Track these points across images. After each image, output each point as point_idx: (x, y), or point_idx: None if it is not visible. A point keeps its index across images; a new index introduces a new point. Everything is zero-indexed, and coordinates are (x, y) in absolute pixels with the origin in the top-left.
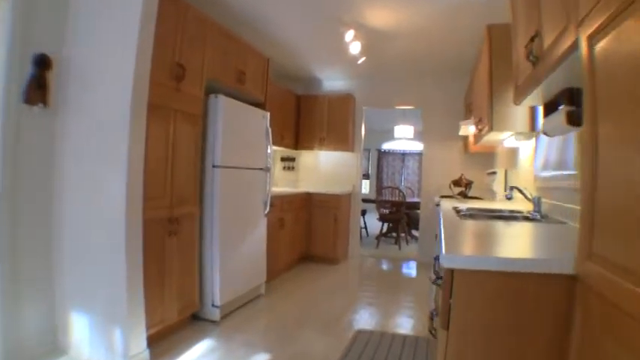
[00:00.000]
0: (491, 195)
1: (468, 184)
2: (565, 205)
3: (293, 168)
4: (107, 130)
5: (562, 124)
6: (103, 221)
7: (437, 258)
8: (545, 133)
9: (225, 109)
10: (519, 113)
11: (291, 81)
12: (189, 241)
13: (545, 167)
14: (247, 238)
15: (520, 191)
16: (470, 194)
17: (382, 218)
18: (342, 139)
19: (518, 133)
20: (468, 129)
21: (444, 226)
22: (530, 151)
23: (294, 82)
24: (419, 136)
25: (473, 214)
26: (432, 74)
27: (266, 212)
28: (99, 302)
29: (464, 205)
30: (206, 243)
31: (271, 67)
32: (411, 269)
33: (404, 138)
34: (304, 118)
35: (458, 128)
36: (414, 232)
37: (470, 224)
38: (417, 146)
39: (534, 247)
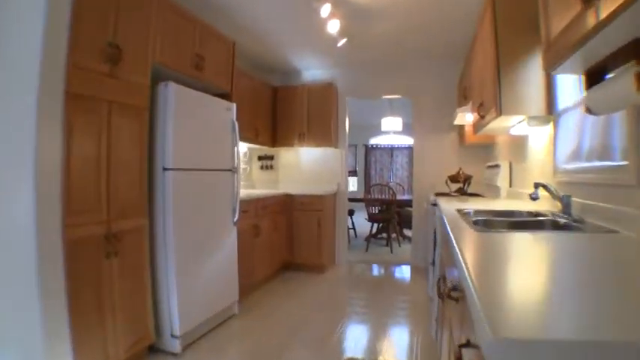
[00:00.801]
0: (494, 191)
1: (467, 180)
2: (606, 205)
3: (272, 167)
4: (9, 125)
5: (626, 92)
6: (7, 243)
7: (433, 263)
8: (588, 111)
9: (177, 99)
10: (533, 93)
11: (266, 72)
12: (136, 262)
13: (573, 158)
14: (213, 252)
15: (547, 189)
16: (469, 190)
17: (371, 219)
18: (324, 133)
19: (532, 118)
20: (465, 117)
21: (458, 249)
22: (545, 139)
23: (270, 74)
24: (408, 129)
25: (486, 221)
26: (422, 60)
27: (235, 220)
28: (10, 347)
29: (468, 206)
30: (159, 262)
31: (244, 58)
32: (404, 275)
33: (392, 132)
34: (282, 112)
35: (452, 118)
36: (407, 232)
37: (492, 241)
38: (406, 140)
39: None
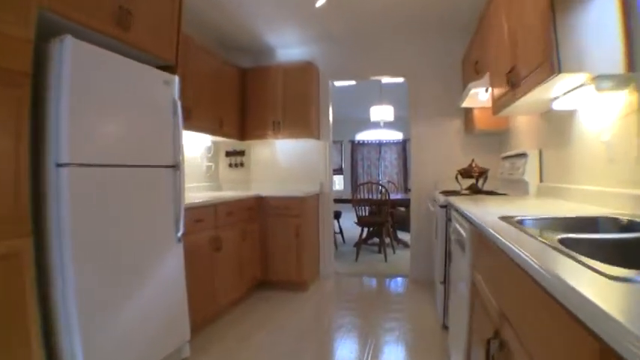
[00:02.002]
0: (517, 188)
1: (483, 174)
2: None
3: (242, 164)
4: None
5: None
6: None
7: (444, 282)
8: None
9: (77, 62)
10: (605, 42)
11: (236, 52)
12: (13, 302)
13: None
14: (145, 280)
15: None
16: (484, 187)
17: (361, 222)
18: (303, 122)
19: (602, 79)
20: (477, 97)
21: None
22: (618, 112)
23: (240, 54)
24: (400, 122)
25: (578, 241)
26: (419, 33)
27: (179, 234)
28: None
29: (511, 211)
30: (55, 299)
31: (208, 35)
32: (403, 291)
33: (382, 122)
34: (253, 97)
35: (457, 101)
36: (401, 235)
37: None
38: (395, 135)
39: None
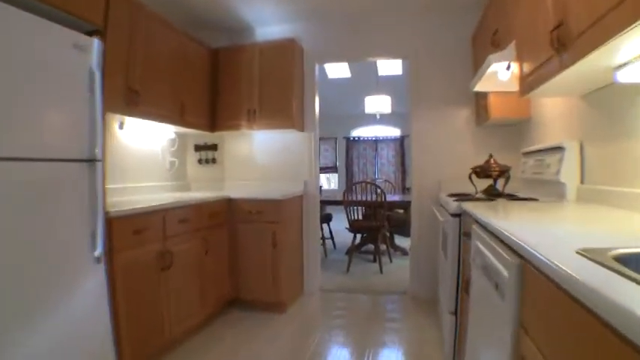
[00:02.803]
0: (547, 190)
1: (503, 173)
2: None
3: (214, 161)
4: None
5: None
6: None
7: (455, 313)
8: None
9: None
10: None
11: (209, 32)
12: None
13: None
14: (50, 313)
15: None
16: (505, 190)
17: (353, 227)
18: (282, 110)
19: None
20: (496, 76)
21: None
22: None
23: (214, 34)
24: (397, 117)
25: None
26: (422, 8)
27: (98, 253)
28: None
29: (598, 237)
30: None
31: (175, 10)
32: (398, 312)
33: (378, 113)
34: (225, 82)
35: (465, 85)
36: (398, 241)
37: None
38: (392, 132)
39: None
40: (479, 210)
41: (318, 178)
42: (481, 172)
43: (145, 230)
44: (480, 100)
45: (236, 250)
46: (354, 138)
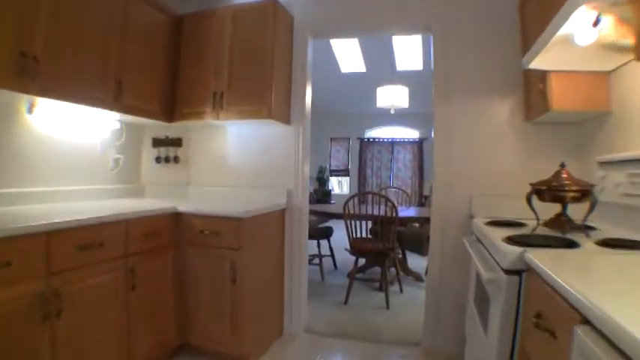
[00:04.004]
0: None
1: (584, 195)
2: None
3: (177, 160)
4: None
5: None
6: None
7: None
8: None
9: None
10: None
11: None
12: None
13: None
14: None
15: None
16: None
17: (355, 250)
18: (257, 93)
19: None
20: (572, 41)
21: None
22: None
23: (182, 1)
24: (415, 119)
25: None
26: None
27: None
28: None
29: None
30: None
31: None
32: None
33: (393, 107)
34: (188, 57)
35: (509, 66)
36: (413, 262)
37: None
38: (411, 133)
39: None
40: (576, 282)
41: (306, 187)
42: (548, 192)
43: (13, 262)
44: (533, 84)
45: (184, 282)
46: (368, 139)
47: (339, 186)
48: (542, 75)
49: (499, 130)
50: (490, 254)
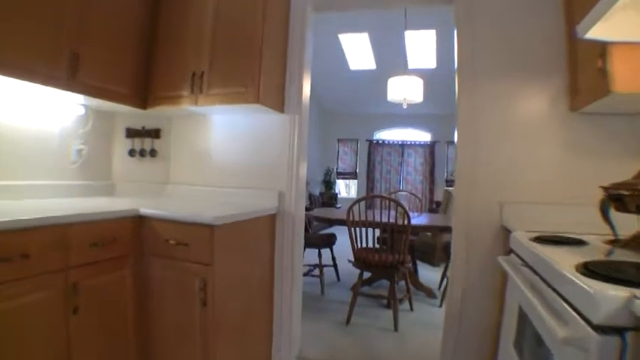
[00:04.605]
0: None
1: None
2: None
3: (154, 154)
4: None
5: None
6: None
7: None
8: None
9: None
10: None
11: None
12: None
13: None
14: None
15: None
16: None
17: (359, 262)
18: (242, 73)
19: None
20: None
21: None
22: None
23: None
24: (426, 121)
25: None
26: None
27: None
28: None
29: None
30: None
31: None
32: None
33: (405, 102)
34: (166, 31)
35: (551, 38)
36: (424, 274)
37: None
38: (422, 136)
39: None
40: None
41: (302, 190)
42: (631, 198)
43: None
44: (584, 63)
45: (147, 303)
46: (377, 141)
47: (347, 189)
48: (602, 49)
49: (537, 122)
50: (556, 291)
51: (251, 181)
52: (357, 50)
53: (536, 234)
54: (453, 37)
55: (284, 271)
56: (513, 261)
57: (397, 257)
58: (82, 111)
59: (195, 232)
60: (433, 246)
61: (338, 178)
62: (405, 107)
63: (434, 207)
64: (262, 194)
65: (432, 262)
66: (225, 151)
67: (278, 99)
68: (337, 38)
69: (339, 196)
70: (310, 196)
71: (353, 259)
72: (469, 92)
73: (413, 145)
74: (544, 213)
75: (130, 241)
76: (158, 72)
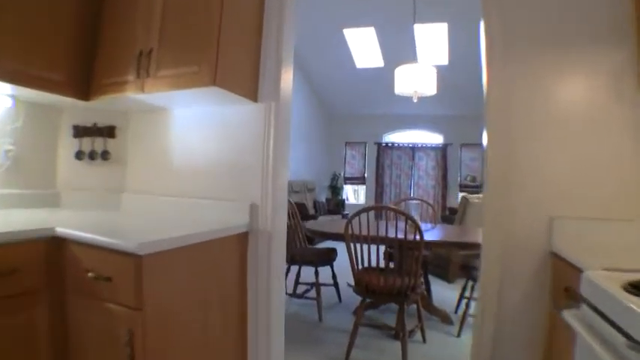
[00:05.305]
0: None
1: None
2: None
3: (106, 156)
4: None
5: None
6: None
7: None
8: None
9: None
10: None
11: None
12: None
13: None
14: None
15: None
16: None
17: (361, 288)
18: (197, 48)
19: None
20: None
21: None
22: None
23: None
24: (438, 122)
25: None
26: None
27: None
28: None
29: None
30: None
31: None
32: None
33: (416, 94)
34: (112, 8)
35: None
36: (438, 294)
37: None
38: (434, 138)
39: None
40: None
41: (282, 201)
42: None
43: None
44: None
45: (66, 354)
46: (387, 144)
47: (355, 195)
48: None
49: (595, 106)
50: None
51: (218, 190)
52: (364, 46)
53: (625, 275)
54: (477, 27)
55: (259, 308)
56: (588, 319)
57: (407, 281)
58: (8, 103)
59: (119, 262)
60: (448, 260)
61: (345, 184)
62: (415, 101)
63: (447, 214)
64: (231, 207)
65: (446, 278)
66: (189, 153)
67: (248, 83)
68: (342, 33)
69: (346, 202)
70: (315, 203)
71: (353, 283)
72: (499, 67)
73: (424, 148)
74: (617, 234)
75: (43, 271)
76: (104, 54)
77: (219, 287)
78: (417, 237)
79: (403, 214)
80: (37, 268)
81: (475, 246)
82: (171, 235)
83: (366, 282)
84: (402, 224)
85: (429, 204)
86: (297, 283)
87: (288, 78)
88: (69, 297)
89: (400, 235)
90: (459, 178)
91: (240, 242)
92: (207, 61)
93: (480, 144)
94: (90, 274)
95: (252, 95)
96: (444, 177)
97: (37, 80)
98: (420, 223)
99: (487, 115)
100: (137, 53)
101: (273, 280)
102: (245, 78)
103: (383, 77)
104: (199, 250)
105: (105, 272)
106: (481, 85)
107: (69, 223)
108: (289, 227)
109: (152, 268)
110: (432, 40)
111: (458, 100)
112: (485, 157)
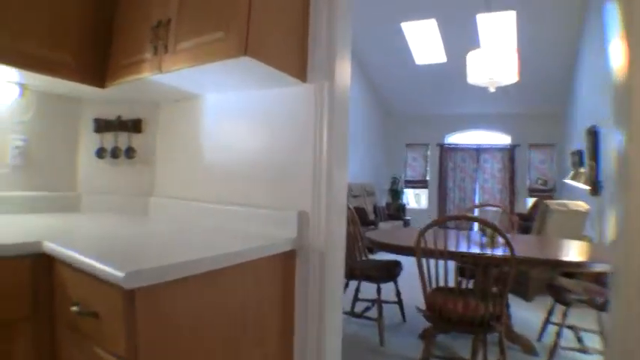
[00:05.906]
0: None
1: None
2: None
3: (131, 154)
4: None
5: None
6: None
7: None
8: None
9: None
10: None
11: None
12: None
13: None
14: None
15: None
16: None
17: (434, 316)
18: (222, 7)
19: None
20: None
21: None
22: None
23: None
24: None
25: None
26: None
27: None
28: None
29: None
30: None
31: None
32: None
33: (492, 84)
34: None
35: None
36: (517, 316)
37: None
38: (500, 139)
39: None
40: None
41: (341, 208)
42: None
43: None
44: None
45: None
46: (449, 145)
47: (416, 199)
48: None
49: None
50: None
51: (257, 195)
52: (424, 41)
53: None
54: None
55: (308, 344)
56: None
57: (491, 308)
58: (15, 92)
59: (108, 294)
60: (526, 275)
61: (406, 187)
62: (492, 90)
63: (516, 219)
64: (274, 217)
65: (524, 295)
66: (223, 149)
67: (291, 56)
68: (400, 27)
69: (407, 207)
70: (375, 208)
71: (424, 308)
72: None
73: (490, 150)
74: None
75: (26, 295)
76: (120, 31)
77: (256, 323)
78: (506, 252)
79: (490, 225)
80: (18, 291)
81: (579, 265)
82: (176, 260)
83: (439, 307)
84: (474, 235)
85: (505, 211)
86: (355, 299)
87: (345, 53)
88: (60, 330)
89: (485, 251)
90: (528, 182)
91: (285, 263)
92: (235, 24)
93: (552, 144)
94: (73, 308)
95: (299, 72)
96: (512, 180)
97: (40, 62)
98: (507, 235)
99: (631, 104)
100: (154, 24)
101: (327, 313)
102: (288, 49)
103: (445, 73)
104: (226, 276)
105: (92, 305)
106: (552, 81)
107: (71, 234)
108: (348, 235)
109: (151, 306)
110: (498, 31)
111: (527, 96)
112: (619, 156)
